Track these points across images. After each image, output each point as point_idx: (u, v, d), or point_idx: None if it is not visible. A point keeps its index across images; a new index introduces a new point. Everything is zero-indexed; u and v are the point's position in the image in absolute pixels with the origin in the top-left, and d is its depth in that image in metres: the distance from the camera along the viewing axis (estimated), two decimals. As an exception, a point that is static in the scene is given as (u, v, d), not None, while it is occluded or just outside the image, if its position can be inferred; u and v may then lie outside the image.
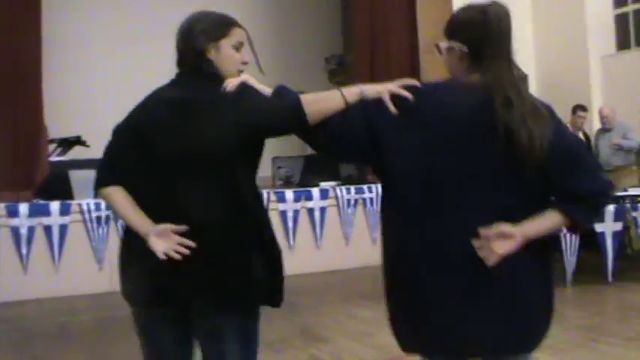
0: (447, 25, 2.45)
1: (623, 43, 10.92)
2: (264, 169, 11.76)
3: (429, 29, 10.76)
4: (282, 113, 2.51)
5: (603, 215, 7.56)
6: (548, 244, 2.34)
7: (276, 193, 9.38)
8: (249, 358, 2.70)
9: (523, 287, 2.27)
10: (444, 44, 2.43)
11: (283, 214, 9.26)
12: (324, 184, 9.86)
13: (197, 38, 2.64)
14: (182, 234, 2.50)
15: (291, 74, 13.56)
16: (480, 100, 2.23)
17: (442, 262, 2.25)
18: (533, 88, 11.80)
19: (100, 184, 2.65)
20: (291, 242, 9.27)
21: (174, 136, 2.55)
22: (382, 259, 2.50)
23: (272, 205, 9.19)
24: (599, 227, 7.56)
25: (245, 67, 2.79)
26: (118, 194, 2.61)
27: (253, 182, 2.70)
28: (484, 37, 2.30)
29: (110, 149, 2.68)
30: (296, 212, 9.34)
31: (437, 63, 9.92)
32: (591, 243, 7.99)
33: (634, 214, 7.75)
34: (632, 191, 8.29)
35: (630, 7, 10.81)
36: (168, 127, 2.57)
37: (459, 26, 2.39)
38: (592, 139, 10.02)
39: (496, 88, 2.23)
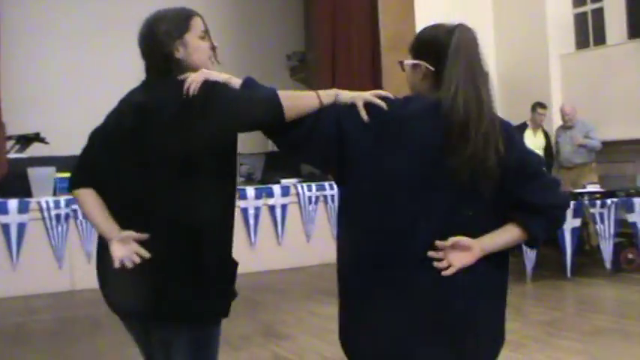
0: (413, 42, 2.44)
1: (582, 42, 11.05)
2: (226, 167, 11.65)
3: (391, 27, 10.78)
4: (260, 105, 2.45)
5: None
6: (505, 261, 2.33)
7: (237, 190, 9.32)
8: None
9: (477, 307, 2.24)
10: (408, 62, 2.43)
11: (244, 211, 9.22)
12: (285, 181, 9.84)
13: (161, 41, 2.59)
14: (144, 242, 2.48)
15: (253, 71, 13.35)
16: (441, 119, 2.23)
17: (394, 272, 2.22)
18: (494, 85, 11.89)
19: (73, 185, 2.63)
20: (253, 239, 9.24)
21: (141, 143, 2.52)
22: (337, 264, 2.48)
23: (233, 203, 9.15)
24: (558, 224, 7.64)
25: (215, 52, 2.80)
26: (88, 197, 2.59)
27: (223, 192, 2.67)
28: (448, 59, 2.28)
29: (85, 152, 2.67)
30: (257, 209, 9.31)
31: (399, 60, 9.84)
32: (550, 239, 8.08)
33: (592, 210, 7.85)
34: (590, 188, 8.39)
35: (589, 7, 10.92)
36: (135, 135, 2.53)
37: (425, 45, 2.39)
38: (552, 136, 10.12)
39: (453, 112, 2.21)
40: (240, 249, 9.02)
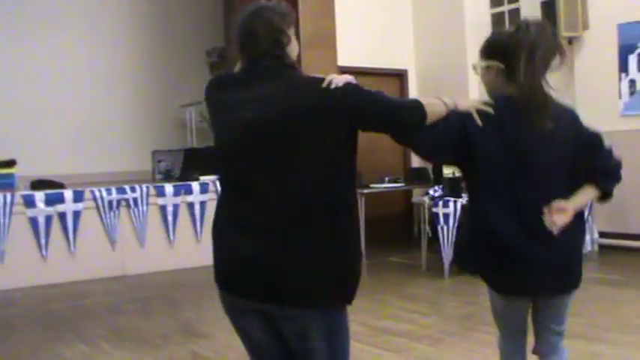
0: (484, 46, 2.93)
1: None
2: (145, 163, 11.59)
3: (311, 25, 10.78)
4: (411, 110, 2.63)
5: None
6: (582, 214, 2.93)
7: (155, 187, 9.21)
8: (336, 355, 2.67)
9: (574, 245, 2.91)
10: (481, 63, 2.92)
11: (163, 208, 9.11)
12: (204, 178, 9.75)
13: (279, 30, 2.64)
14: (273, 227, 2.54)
15: (172, 67, 13.42)
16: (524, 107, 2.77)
17: (523, 228, 2.76)
18: (413, 83, 12.05)
19: None
20: (172, 237, 9.14)
21: (281, 136, 2.53)
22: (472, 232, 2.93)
23: (151, 200, 9.03)
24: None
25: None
26: None
27: (352, 180, 2.67)
28: (517, 56, 2.76)
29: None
30: (176, 207, 9.21)
31: (318, 58, 9.91)
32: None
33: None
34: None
35: (506, 7, 11.14)
36: (272, 127, 2.53)
37: (495, 46, 2.88)
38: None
39: (527, 97, 2.75)
40: (159, 247, 8.98)
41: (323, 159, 2.51)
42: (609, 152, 2.93)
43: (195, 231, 9.31)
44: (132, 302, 7.38)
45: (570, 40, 9.55)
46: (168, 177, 11.67)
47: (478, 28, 11.14)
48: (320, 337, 2.59)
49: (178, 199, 9.23)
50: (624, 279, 6.88)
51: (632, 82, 9.09)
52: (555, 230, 2.69)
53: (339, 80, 2.54)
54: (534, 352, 3.11)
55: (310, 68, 10.74)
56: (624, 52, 9.14)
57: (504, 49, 2.81)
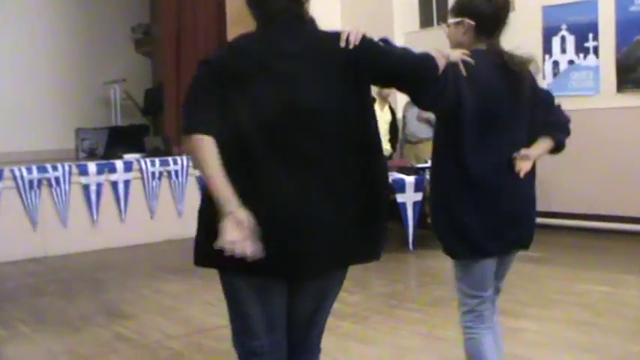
0: (454, 5, 3.11)
1: (426, 21, 11.31)
2: (67, 141, 11.35)
3: (237, 1, 10.67)
4: (424, 63, 2.65)
5: (404, 186, 7.84)
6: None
7: (78, 166, 9.01)
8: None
9: (531, 190, 3.18)
10: (451, 20, 3.09)
11: (86, 188, 8.90)
12: (128, 157, 9.59)
13: None
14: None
15: (97, 43, 13.13)
16: (498, 62, 3.00)
17: (497, 173, 3.00)
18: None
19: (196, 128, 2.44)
20: (95, 217, 8.95)
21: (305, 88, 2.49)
22: (444, 183, 3.05)
23: (74, 179, 8.83)
24: (399, 198, 7.83)
25: None
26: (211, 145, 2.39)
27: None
28: (490, 14, 3.02)
29: (200, 93, 2.52)
30: (99, 186, 9.02)
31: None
32: (393, 213, 8.26)
33: (433, 185, 8.08)
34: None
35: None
36: (293, 77, 2.48)
37: (466, 4, 3.06)
38: (397, 111, 10.30)
39: (501, 52, 3.03)
40: (81, 226, 8.79)
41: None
42: (560, 108, 3.25)
43: (120, 210, 9.15)
44: (53, 284, 7.21)
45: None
46: (92, 155, 11.48)
47: (406, 7, 11.22)
48: (337, 292, 2.76)
49: (102, 178, 9.05)
50: (543, 255, 7.02)
51: (556, 64, 9.25)
52: (522, 175, 2.98)
53: (355, 37, 2.54)
54: None
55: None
56: (548, 33, 9.29)
57: (477, 8, 3.02)
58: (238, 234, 2.26)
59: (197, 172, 9.62)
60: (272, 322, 2.62)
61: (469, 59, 2.89)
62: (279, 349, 2.67)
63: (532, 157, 3.03)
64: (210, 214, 2.38)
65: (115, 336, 5.24)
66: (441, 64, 2.69)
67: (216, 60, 2.53)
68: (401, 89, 2.82)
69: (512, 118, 3.02)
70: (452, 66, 2.81)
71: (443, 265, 7.68)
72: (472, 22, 3.03)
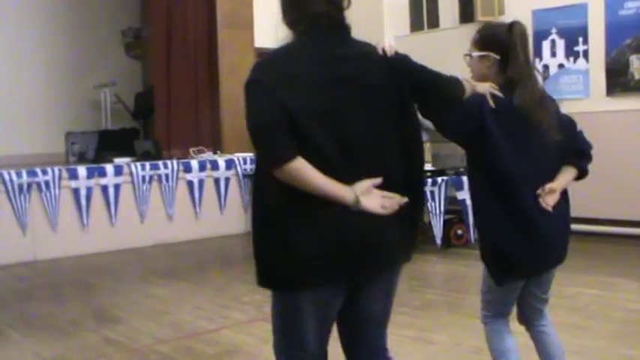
0: (478, 38, 3.19)
1: (416, 25, 11.33)
2: (58, 145, 11.27)
3: (228, 4, 10.68)
4: (454, 83, 2.81)
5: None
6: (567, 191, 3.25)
7: (67, 170, 8.98)
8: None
9: (566, 220, 3.27)
10: (476, 53, 3.16)
11: (76, 191, 8.87)
12: (118, 160, 9.56)
13: None
14: (380, 187, 2.44)
15: (87, 46, 13.09)
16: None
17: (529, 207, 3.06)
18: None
19: (282, 160, 2.32)
20: (85, 221, 8.92)
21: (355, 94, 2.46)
22: (485, 215, 3.15)
23: (64, 183, 8.79)
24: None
25: None
26: (305, 165, 2.33)
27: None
28: (510, 48, 3.07)
29: (268, 121, 2.38)
30: (89, 190, 8.98)
31: (234, 38, 9.81)
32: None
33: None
34: (421, 167, 8.62)
35: (424, -10, 11.26)
36: (347, 84, 2.46)
37: (491, 39, 3.15)
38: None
39: (517, 82, 3.04)
40: (71, 230, 8.74)
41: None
42: (582, 135, 3.30)
43: (110, 214, 9.12)
44: (43, 288, 7.19)
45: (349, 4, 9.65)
46: (82, 159, 11.44)
47: (396, 10, 11.21)
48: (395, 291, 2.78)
49: (92, 182, 9.01)
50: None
51: (546, 67, 9.28)
52: (549, 209, 3.05)
53: (390, 49, 2.61)
54: (522, 322, 3.42)
55: (226, 48, 10.66)
56: (538, 37, 9.32)
57: (500, 42, 3.10)
58: (375, 198, 2.42)
59: (188, 177, 9.63)
60: (323, 335, 2.63)
61: (497, 92, 3.00)
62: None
63: (558, 189, 3.12)
64: (280, 235, 2.41)
65: (105, 340, 5.22)
66: (468, 89, 2.85)
67: (266, 79, 2.39)
68: (427, 108, 2.78)
69: (538, 148, 3.09)
70: (478, 96, 2.94)
71: (433, 268, 7.74)
72: (497, 57, 3.12)
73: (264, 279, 2.53)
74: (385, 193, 2.43)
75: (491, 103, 2.96)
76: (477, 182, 3.15)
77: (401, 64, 2.60)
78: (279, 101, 2.31)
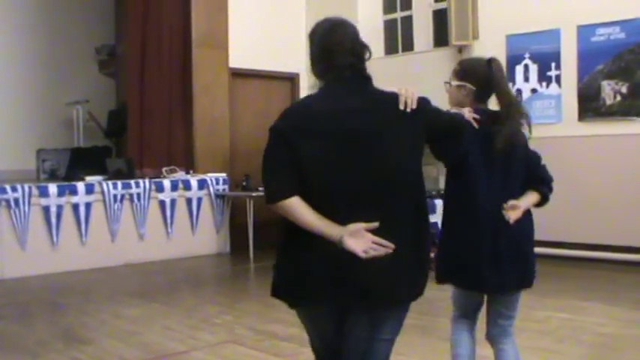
0: (459, 69, 3.61)
1: (391, 48, 11.39)
2: (28, 162, 11.14)
3: (204, 23, 10.67)
4: (461, 121, 3.25)
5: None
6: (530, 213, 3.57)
7: (38, 187, 8.89)
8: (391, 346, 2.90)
9: (525, 238, 3.54)
10: (455, 82, 3.57)
11: (46, 209, 8.79)
12: (90, 179, 9.48)
13: (360, 42, 2.88)
14: (373, 231, 2.59)
15: (60, 63, 13.01)
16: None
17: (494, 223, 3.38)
18: (305, 86, 12.05)
19: (278, 196, 2.66)
20: (55, 239, 8.83)
21: (368, 142, 2.68)
22: (449, 229, 3.53)
23: (34, 200, 8.70)
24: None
25: None
26: (299, 203, 2.65)
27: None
28: (488, 82, 3.49)
29: (272, 160, 2.73)
30: (60, 208, 8.90)
31: (209, 58, 9.80)
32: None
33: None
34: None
35: (398, 14, 11.30)
36: (363, 134, 2.68)
37: (469, 72, 3.57)
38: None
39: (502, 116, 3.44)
40: (40, 249, 8.63)
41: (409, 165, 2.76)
42: (545, 168, 3.67)
43: (80, 233, 9.04)
44: (10, 307, 7.08)
45: (460, 49, 9.76)
46: (53, 177, 11.34)
47: (371, 33, 11.25)
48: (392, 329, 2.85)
49: (62, 200, 8.94)
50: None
51: (519, 92, 9.36)
52: (512, 222, 3.33)
53: (412, 99, 2.74)
54: (487, 338, 3.63)
55: (201, 68, 10.64)
56: (512, 62, 9.41)
57: (478, 75, 3.52)
58: (363, 240, 2.59)
59: (160, 196, 9.58)
60: (329, 348, 2.90)
61: (477, 116, 3.39)
62: None
63: (522, 207, 3.41)
64: (299, 250, 2.73)
65: (73, 361, 5.15)
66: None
67: (283, 126, 2.73)
68: (438, 145, 3.19)
69: (506, 170, 3.46)
70: (466, 122, 3.34)
71: None
72: (473, 88, 3.51)
73: (273, 292, 2.91)
74: (376, 238, 2.58)
75: (475, 126, 3.37)
76: (451, 195, 3.57)
77: (420, 114, 2.76)
78: (290, 148, 2.65)
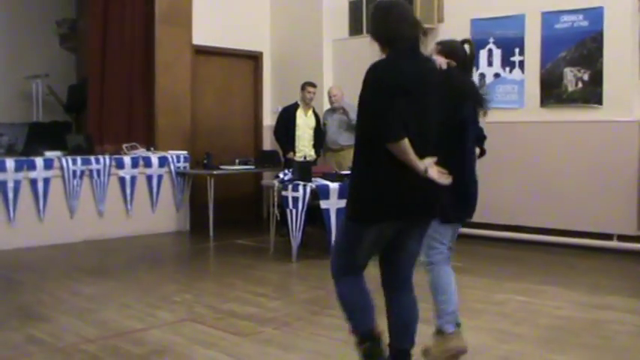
0: (441, 49, 4.34)
1: (355, 29, 11.35)
2: (-16, 136, 10.69)
3: (167, 1, 10.54)
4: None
5: (328, 193, 7.83)
6: None
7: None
8: None
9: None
10: (445, 60, 4.21)
11: (3, 184, 8.64)
12: (48, 154, 9.34)
13: (417, 19, 3.81)
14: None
15: (21, 37, 12.76)
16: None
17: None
18: (267, 66, 11.99)
19: (399, 136, 3.44)
20: (12, 215, 8.69)
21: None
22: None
23: (-10, 175, 8.56)
24: (323, 204, 7.81)
25: None
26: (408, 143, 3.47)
27: None
28: (468, 59, 4.37)
29: (388, 111, 3.46)
30: (17, 183, 8.76)
31: (172, 35, 9.71)
32: (316, 219, 8.25)
33: (357, 192, 8.06)
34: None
35: (364, -5, 11.27)
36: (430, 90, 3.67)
37: (454, 50, 4.33)
38: (321, 117, 10.30)
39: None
40: (-3, 225, 8.29)
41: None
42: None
43: (38, 209, 8.91)
44: (-35, 283, 6.98)
45: (425, 32, 9.71)
46: (10, 151, 11.13)
47: (336, 14, 11.21)
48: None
49: (20, 175, 8.80)
50: (465, 265, 7.09)
51: (482, 76, 9.39)
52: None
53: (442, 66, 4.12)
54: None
55: (163, 45, 10.53)
56: (476, 46, 9.40)
57: (459, 54, 4.32)
58: (435, 172, 3.56)
59: (120, 173, 9.48)
60: (370, 255, 3.78)
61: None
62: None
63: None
64: (387, 183, 3.53)
65: (29, 339, 5.07)
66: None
67: (390, 81, 3.53)
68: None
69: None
70: None
71: (365, 271, 7.72)
72: (454, 63, 4.24)
73: (352, 215, 3.65)
74: (439, 168, 3.59)
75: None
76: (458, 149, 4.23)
77: (445, 75, 4.01)
78: (395, 99, 3.46)
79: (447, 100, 3.78)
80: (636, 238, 8.23)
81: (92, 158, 9.42)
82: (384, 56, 3.68)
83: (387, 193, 3.52)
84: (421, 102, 3.55)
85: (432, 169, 3.51)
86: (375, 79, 3.52)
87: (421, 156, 3.49)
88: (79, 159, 9.29)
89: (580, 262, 7.91)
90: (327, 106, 10.36)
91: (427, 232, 3.88)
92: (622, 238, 8.33)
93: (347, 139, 9.71)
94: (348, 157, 9.77)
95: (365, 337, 3.83)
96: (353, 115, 9.87)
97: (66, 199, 9.17)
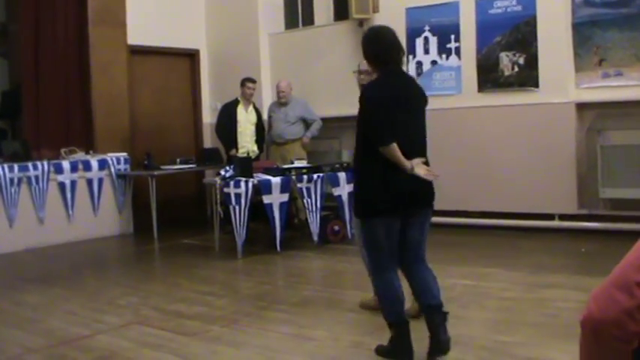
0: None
1: (291, 23, 11.33)
2: None
3: (99, 2, 10.38)
4: None
5: (270, 187, 7.80)
6: None
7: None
8: None
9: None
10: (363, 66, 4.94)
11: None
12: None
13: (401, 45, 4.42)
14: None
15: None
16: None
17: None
18: (204, 64, 11.90)
19: (388, 141, 4.09)
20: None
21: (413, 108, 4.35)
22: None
23: None
24: (266, 199, 7.78)
25: None
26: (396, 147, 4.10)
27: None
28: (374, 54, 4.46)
29: (379, 118, 4.14)
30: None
31: (107, 36, 9.54)
32: (259, 214, 8.22)
33: (300, 185, 8.04)
34: (297, 164, 8.59)
35: (299, -11, 11.25)
36: (410, 102, 4.33)
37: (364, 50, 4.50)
38: (263, 111, 10.26)
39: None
40: None
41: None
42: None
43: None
44: None
45: (361, 22, 9.77)
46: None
47: (271, 8, 11.18)
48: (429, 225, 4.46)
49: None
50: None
51: (419, 64, 9.45)
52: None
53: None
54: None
55: (98, 46, 10.37)
56: (412, 35, 9.48)
57: (365, 52, 4.45)
58: (422, 169, 4.15)
59: (59, 178, 9.31)
60: (392, 245, 4.24)
61: None
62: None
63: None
64: (380, 181, 4.14)
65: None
66: None
67: (381, 96, 4.18)
68: None
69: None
70: None
71: (310, 264, 7.75)
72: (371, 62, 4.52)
73: (360, 212, 4.31)
74: (427, 167, 4.19)
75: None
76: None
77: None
78: (387, 111, 4.14)
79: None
80: (577, 216, 8.37)
81: (30, 164, 9.23)
82: (374, 76, 4.46)
83: (382, 189, 4.14)
84: (408, 112, 4.25)
85: (418, 167, 4.13)
86: (370, 97, 4.22)
87: (410, 157, 4.12)
88: (15, 166, 9.09)
89: (524, 243, 8.02)
90: (267, 100, 10.33)
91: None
92: (563, 217, 8.47)
93: (293, 132, 9.71)
94: (293, 150, 9.84)
95: (394, 322, 4.28)
96: (300, 112, 9.86)
97: (4, 207, 8.95)
